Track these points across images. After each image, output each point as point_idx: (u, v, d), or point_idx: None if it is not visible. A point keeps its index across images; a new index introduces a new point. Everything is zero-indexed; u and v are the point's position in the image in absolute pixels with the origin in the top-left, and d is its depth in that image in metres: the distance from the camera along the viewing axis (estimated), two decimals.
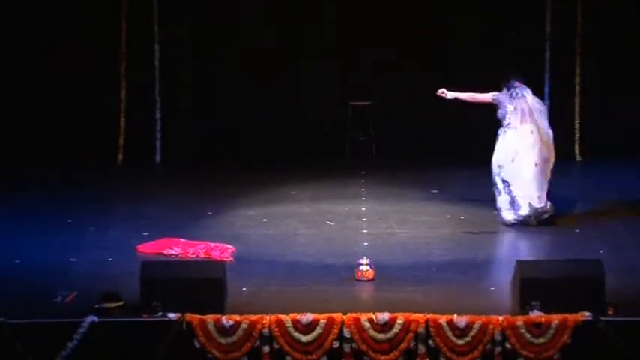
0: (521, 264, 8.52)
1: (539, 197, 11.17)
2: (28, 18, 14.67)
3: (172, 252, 10.09)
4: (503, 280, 8.92)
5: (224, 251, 10.08)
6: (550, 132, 11.43)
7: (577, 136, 15.13)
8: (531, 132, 11.29)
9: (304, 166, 14.38)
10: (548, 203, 11.26)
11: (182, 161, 14.82)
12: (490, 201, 12.21)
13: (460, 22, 14.96)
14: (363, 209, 12.01)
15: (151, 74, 15.01)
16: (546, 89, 15.19)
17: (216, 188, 13.13)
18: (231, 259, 9.90)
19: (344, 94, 15.16)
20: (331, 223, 11.38)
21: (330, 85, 15.13)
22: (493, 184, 11.38)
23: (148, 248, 10.26)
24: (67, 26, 14.68)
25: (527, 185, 11.18)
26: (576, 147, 15.12)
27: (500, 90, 11.44)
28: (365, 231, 11.11)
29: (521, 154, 11.21)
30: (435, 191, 12.86)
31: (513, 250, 10.32)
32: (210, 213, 11.78)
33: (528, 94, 11.42)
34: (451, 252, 10.28)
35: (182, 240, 10.41)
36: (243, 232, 11.05)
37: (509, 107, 11.30)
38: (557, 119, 15.12)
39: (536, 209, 11.15)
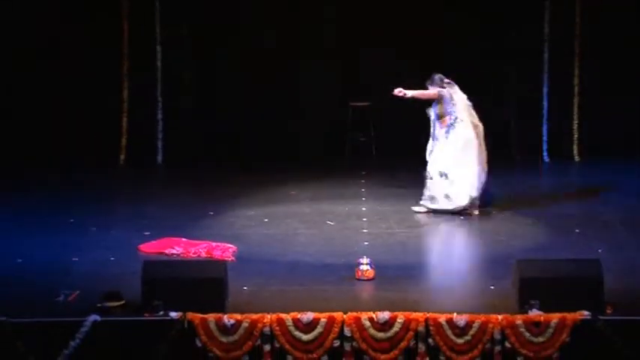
0: (520, 263, 8.54)
1: (476, 187, 11.52)
2: (29, 18, 14.68)
3: (174, 252, 10.10)
4: (502, 279, 8.93)
5: (225, 251, 10.09)
6: (481, 125, 11.73)
7: (576, 136, 15.15)
8: (469, 125, 11.63)
9: (304, 166, 14.40)
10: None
11: (183, 161, 14.84)
12: (489, 199, 12.25)
13: (460, 23, 14.97)
14: (363, 209, 12.02)
15: (153, 75, 15.03)
16: (545, 90, 15.21)
17: (217, 188, 13.15)
18: (233, 258, 9.91)
19: (344, 95, 15.17)
20: (331, 223, 11.39)
21: (330, 85, 15.13)
22: (429, 178, 11.64)
23: (149, 248, 10.27)
24: (68, 26, 14.69)
25: (468, 175, 11.50)
26: (575, 147, 15.13)
27: (426, 87, 11.69)
28: (365, 231, 11.12)
29: (468, 145, 11.53)
30: None
31: (513, 249, 10.33)
32: (211, 213, 11.79)
33: (458, 89, 11.74)
34: (450, 251, 10.29)
35: (184, 240, 10.42)
36: (243, 231, 11.06)
37: (452, 102, 11.60)
38: (556, 120, 15.21)
39: (474, 198, 11.51)
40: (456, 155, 11.56)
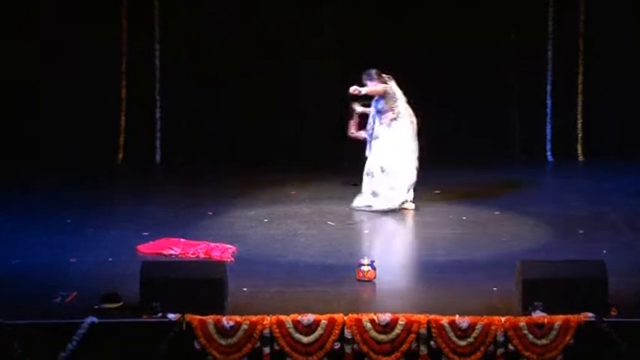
0: (524, 264, 8.51)
1: (411, 182, 11.75)
2: (28, 16, 14.67)
3: (172, 252, 10.09)
4: (505, 281, 8.91)
5: (224, 251, 10.07)
6: (415, 120, 11.94)
7: (580, 135, 15.12)
8: (408, 120, 11.85)
9: (304, 166, 14.37)
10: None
11: (182, 161, 14.82)
12: (491, 199, 12.25)
13: (462, 20, 14.94)
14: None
15: (152, 73, 15.02)
16: (548, 88, 15.18)
17: (216, 188, 13.13)
18: (232, 259, 9.89)
19: (344, 94, 15.12)
20: (332, 224, 11.38)
21: (330, 85, 15.10)
22: (369, 175, 11.74)
23: (147, 248, 10.25)
24: (67, 24, 14.68)
25: (408, 171, 11.71)
26: (579, 147, 15.11)
27: (363, 84, 11.74)
28: (366, 231, 11.10)
29: (408, 140, 11.76)
30: (437, 191, 12.85)
31: (515, 250, 10.31)
32: (210, 213, 11.77)
33: (395, 84, 11.86)
34: (453, 252, 10.27)
35: (182, 240, 10.40)
36: (243, 232, 11.04)
37: (395, 97, 11.75)
38: (560, 119, 15.18)
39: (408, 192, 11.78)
40: (396, 150, 11.70)
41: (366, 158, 11.88)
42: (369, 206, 11.73)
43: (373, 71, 11.75)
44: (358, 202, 11.82)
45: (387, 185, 11.69)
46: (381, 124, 11.77)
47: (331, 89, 15.08)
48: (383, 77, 11.76)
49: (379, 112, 11.79)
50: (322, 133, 15.13)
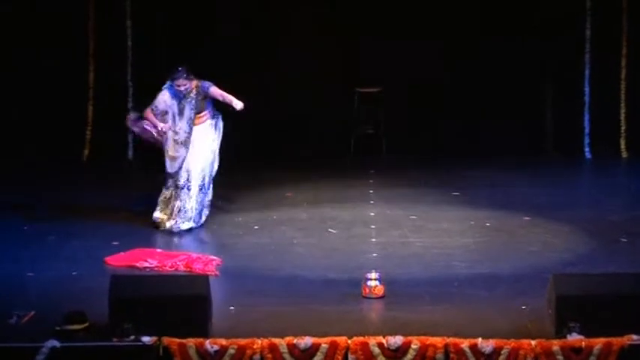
0: (557, 279, 8.53)
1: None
2: None
3: (147, 265, 10.11)
4: (536, 298, 8.93)
5: (208, 264, 10.09)
6: None
7: (623, 128, 15.14)
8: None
9: (302, 163, 14.40)
10: None
11: (158, 157, 14.81)
12: (520, 203, 12.27)
13: (487, 6, 14.98)
14: (372, 214, 12.04)
15: (123, 55, 15.03)
16: (587, 73, 15.18)
17: None
18: (217, 273, 9.92)
19: (350, 79, 15.15)
20: (334, 231, 11.40)
21: (333, 68, 15.12)
22: (184, 189, 11.54)
23: (118, 260, 10.28)
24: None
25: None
26: (622, 142, 15.13)
27: (179, 84, 11.57)
28: (374, 240, 11.13)
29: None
30: (456, 193, 12.88)
31: (548, 262, 10.34)
32: None
33: None
34: (475, 264, 10.30)
35: (158, 251, 10.45)
36: (230, 241, 11.08)
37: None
38: (600, 109, 15.18)
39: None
40: (216, 153, 11.72)
41: (165, 171, 11.70)
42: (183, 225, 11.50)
43: (186, 69, 11.62)
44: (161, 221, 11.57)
45: (206, 201, 11.62)
46: (198, 124, 11.63)
47: (334, 73, 15.12)
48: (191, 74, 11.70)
49: (195, 113, 11.60)
50: (323, 124, 15.15)
